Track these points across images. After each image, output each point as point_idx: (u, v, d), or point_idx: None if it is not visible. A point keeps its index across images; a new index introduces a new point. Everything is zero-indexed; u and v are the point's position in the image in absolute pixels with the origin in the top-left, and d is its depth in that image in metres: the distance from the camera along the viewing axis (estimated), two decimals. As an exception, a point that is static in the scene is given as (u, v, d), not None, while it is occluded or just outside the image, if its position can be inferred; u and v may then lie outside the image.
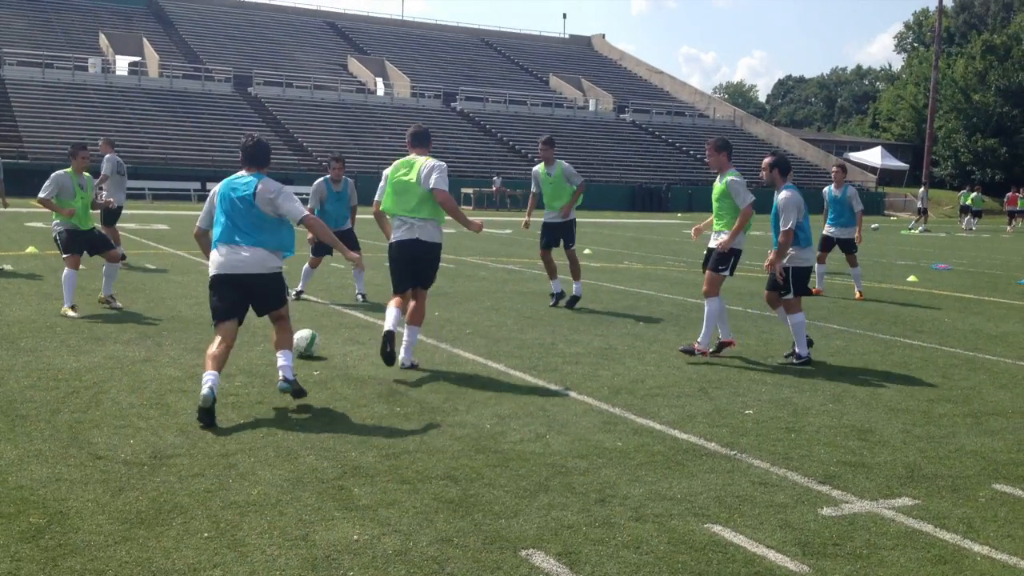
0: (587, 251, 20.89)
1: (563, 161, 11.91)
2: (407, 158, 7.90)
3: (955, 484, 5.27)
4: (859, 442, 6.04)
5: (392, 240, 7.82)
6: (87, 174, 10.60)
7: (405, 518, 4.44)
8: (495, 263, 17.73)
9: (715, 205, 8.86)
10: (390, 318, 7.63)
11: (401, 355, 7.73)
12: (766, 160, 8.71)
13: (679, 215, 47.78)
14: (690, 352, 8.72)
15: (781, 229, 8.42)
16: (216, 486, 4.78)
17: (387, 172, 7.92)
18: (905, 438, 6.18)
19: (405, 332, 7.83)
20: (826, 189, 14.40)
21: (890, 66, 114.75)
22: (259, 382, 7.11)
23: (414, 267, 7.77)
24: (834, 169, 14.44)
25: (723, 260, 8.71)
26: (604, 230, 31.68)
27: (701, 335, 8.74)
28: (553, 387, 7.32)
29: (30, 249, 16.74)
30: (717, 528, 4.47)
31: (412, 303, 7.83)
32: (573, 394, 7.10)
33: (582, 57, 78.44)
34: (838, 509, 4.80)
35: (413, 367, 7.76)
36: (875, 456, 5.75)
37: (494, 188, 46.14)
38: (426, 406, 6.60)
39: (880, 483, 5.24)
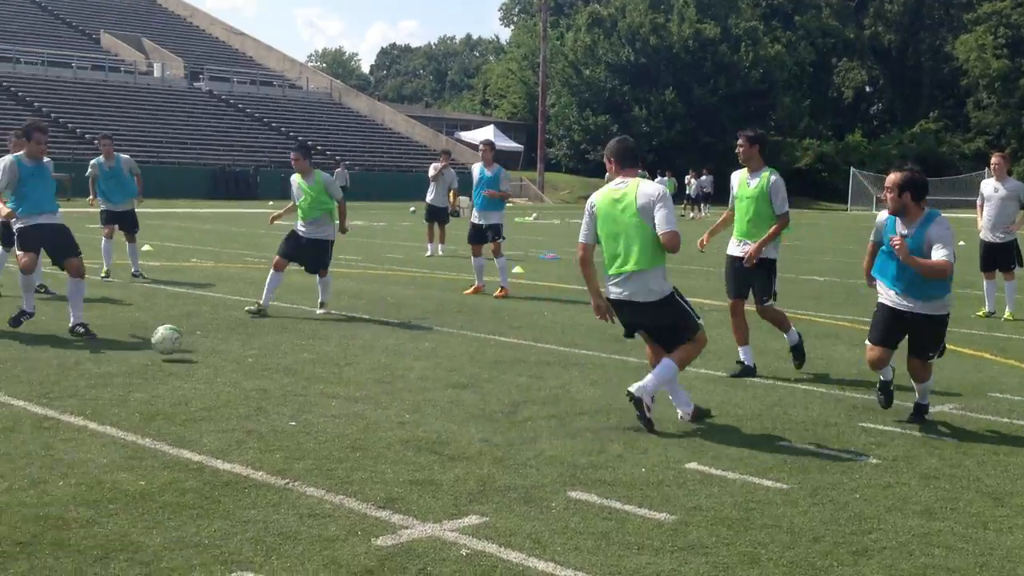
0: (146, 247, 19.94)
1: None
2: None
3: (528, 495, 5.54)
4: (431, 456, 6.19)
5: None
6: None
7: None
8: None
9: (748, 208, 9.01)
10: None
11: None
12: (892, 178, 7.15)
13: (271, 203, 47.29)
14: None
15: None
16: None
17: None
18: (483, 448, 6.43)
19: None
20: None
21: (497, 38, 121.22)
22: None
23: None
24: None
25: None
26: (174, 222, 30.54)
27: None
28: (67, 418, 6.78)
29: None
30: (248, 576, 4.32)
31: None
32: (93, 425, 6.62)
33: (142, 12, 75.20)
34: (396, 537, 4.85)
35: None
36: (446, 472, 5.91)
37: None
38: None
39: (447, 502, 5.38)
